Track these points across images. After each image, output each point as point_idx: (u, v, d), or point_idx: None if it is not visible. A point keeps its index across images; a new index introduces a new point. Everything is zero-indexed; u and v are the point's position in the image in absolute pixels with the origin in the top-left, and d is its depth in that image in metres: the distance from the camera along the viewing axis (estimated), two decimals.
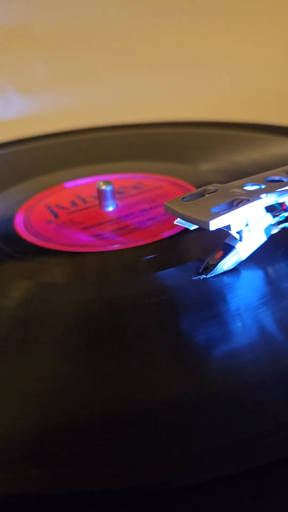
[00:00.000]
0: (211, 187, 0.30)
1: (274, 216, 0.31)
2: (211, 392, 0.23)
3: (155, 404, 0.23)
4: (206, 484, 0.20)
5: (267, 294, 0.29)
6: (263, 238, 0.31)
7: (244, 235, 0.29)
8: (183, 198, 0.30)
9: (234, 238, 0.30)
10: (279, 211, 0.31)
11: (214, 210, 0.28)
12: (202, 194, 0.30)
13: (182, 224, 0.29)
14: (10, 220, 0.38)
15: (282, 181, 0.31)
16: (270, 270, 0.30)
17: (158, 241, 0.34)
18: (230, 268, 0.30)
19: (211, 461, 0.20)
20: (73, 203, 0.40)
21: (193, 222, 0.28)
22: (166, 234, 0.34)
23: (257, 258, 0.31)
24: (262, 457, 0.20)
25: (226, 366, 0.24)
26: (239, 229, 0.29)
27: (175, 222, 0.30)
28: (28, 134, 0.56)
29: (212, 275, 0.30)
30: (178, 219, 0.29)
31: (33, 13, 0.69)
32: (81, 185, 0.43)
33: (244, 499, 0.20)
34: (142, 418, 0.22)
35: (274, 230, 0.31)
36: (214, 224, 0.28)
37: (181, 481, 0.20)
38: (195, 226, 0.29)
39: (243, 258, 0.30)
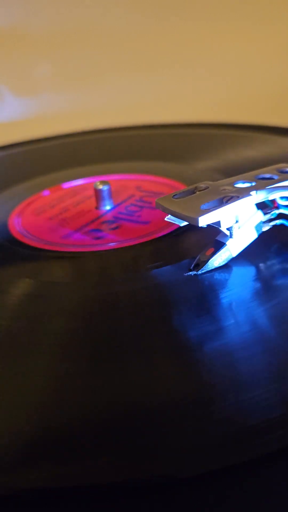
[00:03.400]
0: (202, 185, 0.30)
1: (265, 214, 0.31)
2: (208, 388, 0.23)
3: (154, 401, 0.23)
4: (203, 478, 0.20)
5: (258, 290, 0.29)
6: (254, 235, 0.31)
7: (234, 232, 0.30)
8: (174, 195, 0.30)
9: (225, 235, 0.30)
10: (270, 209, 0.31)
11: (203, 206, 0.29)
12: (193, 192, 0.30)
13: (173, 220, 0.30)
14: (8, 221, 0.38)
15: (273, 178, 0.31)
16: (261, 267, 0.31)
17: (154, 240, 0.34)
18: (221, 264, 0.30)
19: (209, 456, 0.21)
20: (71, 204, 0.40)
21: (183, 218, 0.29)
22: (162, 232, 0.35)
23: (248, 255, 0.31)
24: (260, 451, 0.21)
25: (221, 361, 0.25)
26: (229, 226, 0.29)
27: (165, 219, 0.30)
28: (25, 136, 0.56)
29: (203, 272, 0.30)
30: (169, 215, 0.30)
31: (31, 14, 0.69)
32: (79, 185, 0.43)
33: (242, 493, 0.20)
34: (142, 415, 0.22)
35: (265, 228, 0.31)
36: (203, 221, 0.28)
37: (180, 475, 0.20)
38: (186, 223, 0.29)
39: (234, 254, 0.30)
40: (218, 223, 0.29)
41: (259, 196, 0.30)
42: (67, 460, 0.21)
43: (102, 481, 0.20)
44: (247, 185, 0.31)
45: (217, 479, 0.20)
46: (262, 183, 0.30)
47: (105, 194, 0.38)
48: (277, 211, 0.31)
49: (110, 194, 0.39)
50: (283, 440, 0.21)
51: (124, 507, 0.20)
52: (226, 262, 0.30)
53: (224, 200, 0.29)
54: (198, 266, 0.30)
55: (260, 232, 0.31)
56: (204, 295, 0.29)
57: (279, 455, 0.20)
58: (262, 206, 0.31)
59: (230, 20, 0.73)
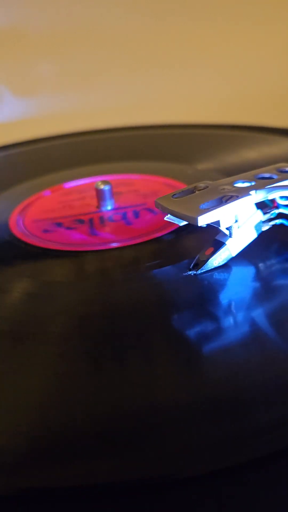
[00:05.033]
0: (201, 184, 0.30)
1: (264, 213, 0.31)
2: (209, 389, 0.23)
3: (154, 401, 0.23)
4: (203, 478, 0.20)
5: (258, 290, 0.29)
6: (253, 235, 0.31)
7: (233, 231, 0.30)
8: (174, 194, 0.30)
9: (224, 235, 0.30)
10: (270, 208, 0.31)
11: (203, 206, 0.29)
12: (192, 191, 0.30)
13: (172, 220, 0.30)
14: (9, 220, 0.39)
15: (273, 178, 0.31)
16: (261, 266, 0.31)
17: (155, 239, 0.34)
18: (221, 264, 0.30)
19: (209, 456, 0.21)
20: (72, 203, 0.40)
21: (182, 218, 0.29)
22: (163, 232, 0.35)
23: (248, 254, 0.31)
24: (260, 452, 0.21)
25: (221, 362, 0.25)
26: (229, 225, 0.29)
27: (165, 218, 0.30)
28: (25, 136, 0.56)
29: (202, 271, 0.30)
30: (168, 215, 0.30)
31: (31, 14, 0.69)
32: (80, 185, 0.43)
33: (241, 494, 0.20)
34: (142, 415, 0.23)
35: (265, 227, 0.31)
36: (203, 220, 0.28)
37: (180, 476, 0.20)
38: (185, 222, 0.29)
39: (234, 254, 0.30)
40: (218, 222, 0.29)
41: (259, 195, 0.30)
42: (67, 461, 0.21)
43: (102, 481, 0.20)
44: (246, 184, 0.31)
45: (217, 479, 0.20)
46: (262, 183, 0.31)
47: (106, 194, 0.38)
48: (276, 211, 0.31)
49: (111, 194, 0.39)
50: (284, 441, 0.21)
51: (124, 507, 0.20)
52: (225, 261, 0.30)
53: (223, 199, 0.29)
54: (198, 265, 0.30)
55: (259, 231, 0.31)
56: (204, 295, 0.29)
57: (280, 456, 0.20)
58: (262, 206, 0.31)
59: (230, 20, 0.73)
